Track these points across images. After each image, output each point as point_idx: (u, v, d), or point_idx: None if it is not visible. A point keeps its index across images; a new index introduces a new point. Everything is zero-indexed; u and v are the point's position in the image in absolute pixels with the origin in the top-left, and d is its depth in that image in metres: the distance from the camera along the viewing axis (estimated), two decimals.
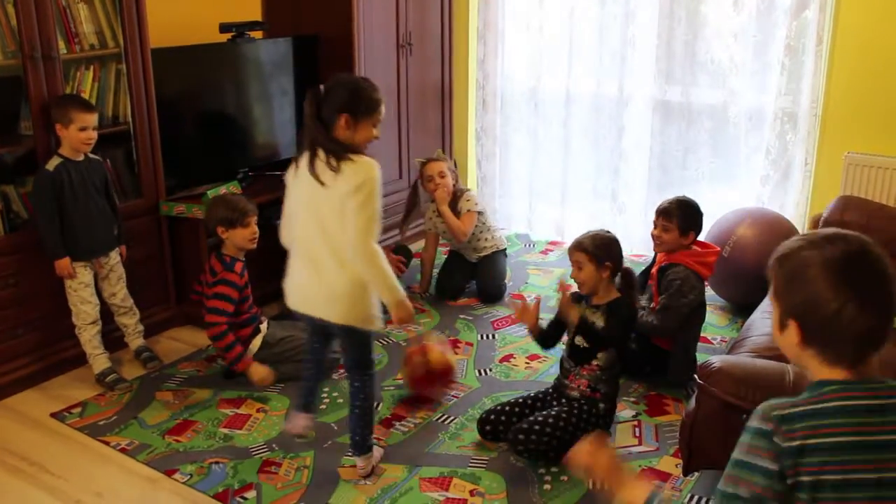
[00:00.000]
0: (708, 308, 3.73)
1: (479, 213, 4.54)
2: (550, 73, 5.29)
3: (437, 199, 4.44)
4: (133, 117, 3.81)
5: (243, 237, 3.53)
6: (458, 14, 5.48)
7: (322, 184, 2.59)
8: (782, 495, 1.40)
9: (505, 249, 4.72)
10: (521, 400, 3.16)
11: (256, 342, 3.57)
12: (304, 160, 2.66)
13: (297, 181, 2.70)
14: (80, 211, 3.44)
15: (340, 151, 2.59)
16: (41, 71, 3.40)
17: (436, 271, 4.71)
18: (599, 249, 3.05)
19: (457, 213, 4.47)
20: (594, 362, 3.05)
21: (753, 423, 1.45)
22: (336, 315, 2.70)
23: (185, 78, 4.16)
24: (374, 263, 2.59)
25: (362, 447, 2.92)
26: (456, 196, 4.51)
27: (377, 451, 3.02)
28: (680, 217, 3.51)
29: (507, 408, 3.13)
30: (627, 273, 3.13)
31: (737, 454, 1.46)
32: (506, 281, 4.64)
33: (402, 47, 5.03)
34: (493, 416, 3.11)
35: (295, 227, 2.75)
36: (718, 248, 3.66)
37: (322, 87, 2.68)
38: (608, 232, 3.15)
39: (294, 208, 2.75)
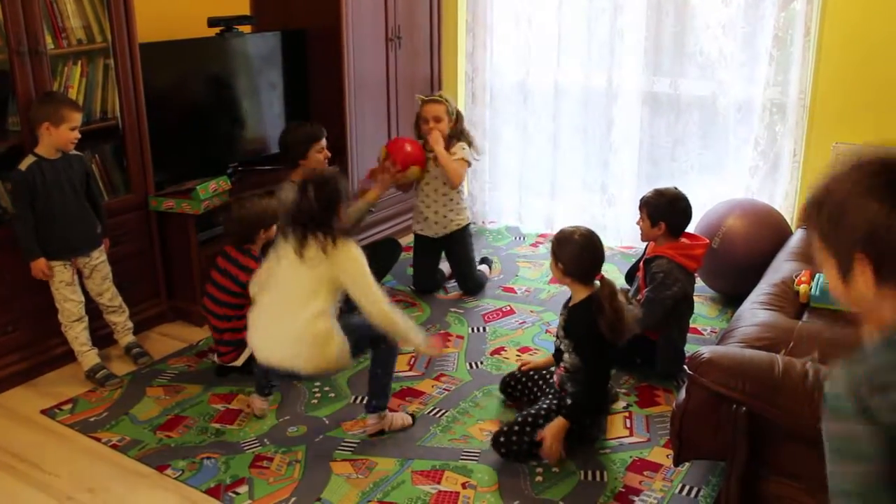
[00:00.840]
0: (698, 299, 3.74)
1: (469, 164, 4.45)
2: (539, 67, 5.29)
3: (430, 141, 4.28)
4: (121, 112, 3.79)
5: (273, 233, 3.67)
6: (447, 7, 5.48)
7: (309, 259, 2.94)
8: (892, 468, 1.19)
9: (468, 225, 4.58)
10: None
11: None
12: (290, 242, 3.02)
13: (284, 257, 3.04)
14: (56, 210, 3.41)
15: (336, 235, 2.98)
16: (28, 66, 3.38)
17: (409, 266, 4.71)
18: (556, 245, 3.07)
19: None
20: (562, 364, 3.11)
21: (838, 403, 1.24)
22: (305, 366, 3.02)
23: (173, 73, 4.15)
24: (394, 324, 2.99)
25: (374, 409, 3.16)
26: (449, 143, 4.36)
27: (399, 418, 3.23)
28: (650, 207, 3.52)
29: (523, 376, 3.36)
30: (603, 282, 3.01)
31: (831, 449, 1.26)
32: (479, 268, 4.62)
33: (390, 41, 5.02)
34: (512, 381, 3.36)
35: (271, 290, 3.07)
36: (707, 241, 3.67)
37: (311, 182, 3.05)
38: (584, 233, 3.07)
39: (276, 274, 3.07)
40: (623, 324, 2.93)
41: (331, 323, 2.99)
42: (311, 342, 2.96)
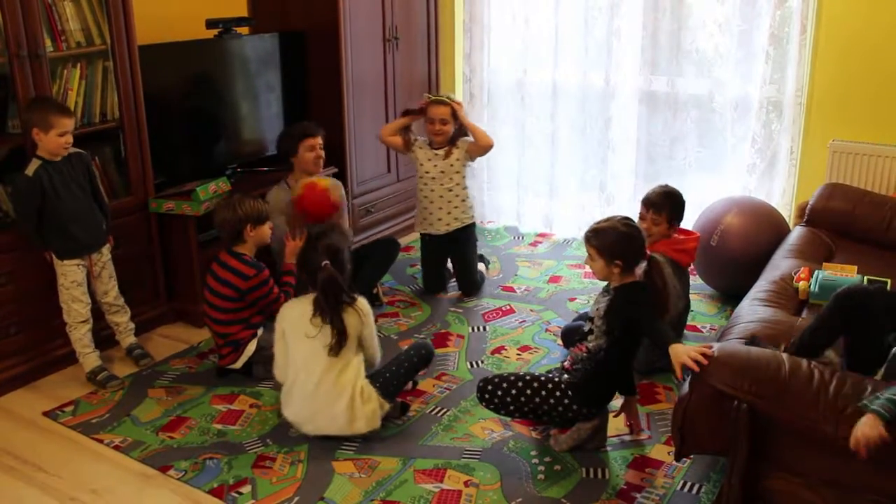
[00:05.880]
0: (697, 296, 3.74)
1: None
2: (537, 66, 5.30)
3: (459, 113, 4.36)
4: (121, 115, 3.80)
5: (266, 233, 3.67)
6: (444, 8, 5.49)
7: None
8: None
9: (474, 224, 4.59)
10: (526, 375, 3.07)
11: (251, 346, 3.58)
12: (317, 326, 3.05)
13: (300, 332, 3.07)
14: (68, 209, 3.42)
15: (353, 297, 3.12)
16: (28, 69, 3.39)
17: (417, 267, 4.75)
18: (597, 239, 2.94)
19: (451, 151, 4.40)
20: (585, 344, 3.01)
21: None
22: (348, 428, 3.08)
23: (172, 74, 4.15)
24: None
25: (385, 394, 3.18)
26: (453, 144, 4.40)
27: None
28: (669, 209, 3.53)
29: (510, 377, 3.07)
30: (652, 262, 2.95)
31: None
32: (480, 270, 4.64)
33: (388, 41, 5.03)
34: (490, 386, 3.01)
35: (297, 367, 3.10)
36: (698, 234, 3.68)
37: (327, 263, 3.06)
38: (626, 222, 2.98)
39: (296, 352, 3.10)
40: (669, 298, 2.94)
41: (364, 378, 3.13)
42: (351, 403, 3.05)
